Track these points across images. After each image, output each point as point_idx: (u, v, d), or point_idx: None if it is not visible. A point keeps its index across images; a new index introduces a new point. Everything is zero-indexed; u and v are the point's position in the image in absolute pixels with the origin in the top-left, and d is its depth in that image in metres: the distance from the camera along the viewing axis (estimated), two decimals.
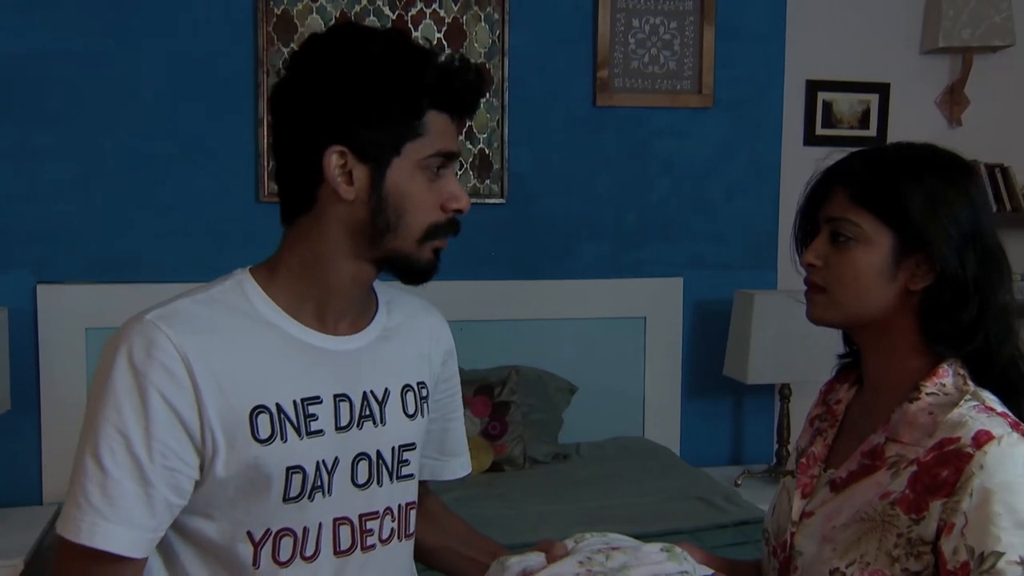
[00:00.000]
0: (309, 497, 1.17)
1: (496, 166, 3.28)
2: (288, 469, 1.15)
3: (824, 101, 3.56)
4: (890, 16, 3.60)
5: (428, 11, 3.19)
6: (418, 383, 1.32)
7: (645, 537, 2.43)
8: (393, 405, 1.26)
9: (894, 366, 1.20)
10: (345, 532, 1.21)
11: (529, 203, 3.32)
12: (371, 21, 3.15)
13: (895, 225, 1.15)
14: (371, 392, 1.24)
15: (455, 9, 3.21)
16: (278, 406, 1.14)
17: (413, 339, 1.33)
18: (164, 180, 3.02)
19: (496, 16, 3.23)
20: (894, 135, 3.61)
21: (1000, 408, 1.12)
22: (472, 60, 1.18)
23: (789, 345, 3.09)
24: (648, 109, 3.38)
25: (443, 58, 1.15)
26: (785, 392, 3.32)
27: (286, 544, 1.17)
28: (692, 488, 2.82)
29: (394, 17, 3.16)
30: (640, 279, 3.42)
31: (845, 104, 3.58)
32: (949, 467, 1.07)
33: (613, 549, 1.22)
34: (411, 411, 1.29)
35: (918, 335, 1.18)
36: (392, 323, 1.30)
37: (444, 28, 3.21)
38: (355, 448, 1.21)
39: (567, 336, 3.38)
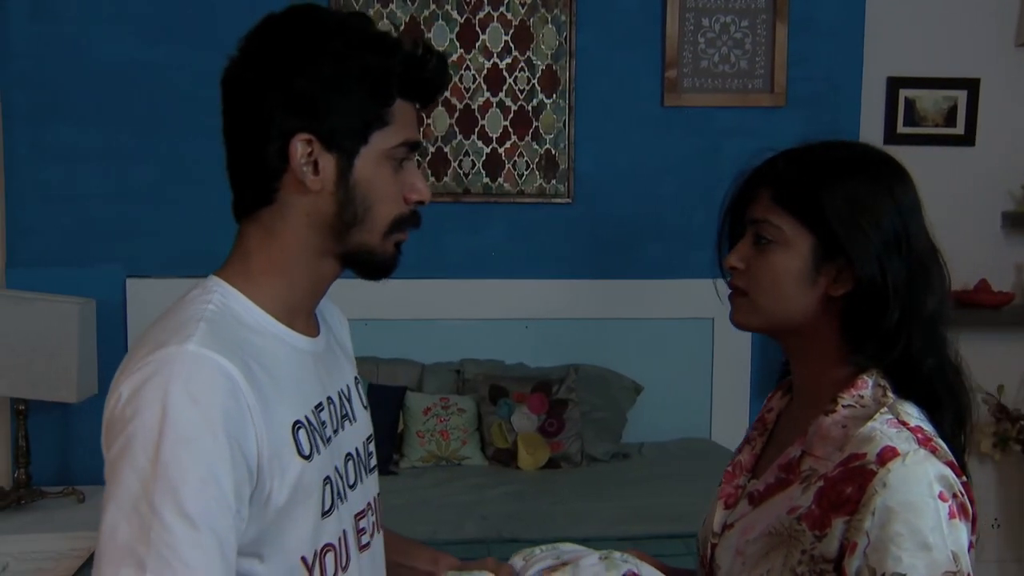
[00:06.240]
0: (336, 506, 1.14)
1: (563, 166, 3.31)
2: (323, 481, 1.11)
3: (906, 99, 3.44)
4: (981, 7, 3.45)
5: (496, 14, 3.25)
6: (358, 372, 1.32)
7: (678, 537, 2.45)
8: (355, 400, 1.26)
9: (818, 375, 1.15)
10: (363, 534, 1.21)
11: (596, 203, 3.34)
12: (439, 25, 3.23)
13: (815, 228, 1.11)
14: (341, 391, 1.22)
15: (522, 12, 3.26)
16: (307, 418, 1.10)
17: (339, 330, 1.32)
18: None
19: (563, 18, 3.26)
20: (984, 133, 3.47)
21: (914, 422, 1.06)
22: (436, 49, 1.12)
23: None
24: (718, 109, 3.35)
25: (409, 45, 1.10)
26: None
27: (330, 561, 1.13)
28: None
29: (462, 21, 3.23)
30: (708, 280, 3.37)
31: (929, 101, 3.45)
32: (853, 484, 1.02)
33: (557, 567, 1.26)
34: (365, 402, 1.30)
35: (841, 344, 1.12)
36: (324, 318, 1.27)
37: (511, 30, 3.26)
38: (345, 449, 1.19)
39: (634, 336, 3.39)
